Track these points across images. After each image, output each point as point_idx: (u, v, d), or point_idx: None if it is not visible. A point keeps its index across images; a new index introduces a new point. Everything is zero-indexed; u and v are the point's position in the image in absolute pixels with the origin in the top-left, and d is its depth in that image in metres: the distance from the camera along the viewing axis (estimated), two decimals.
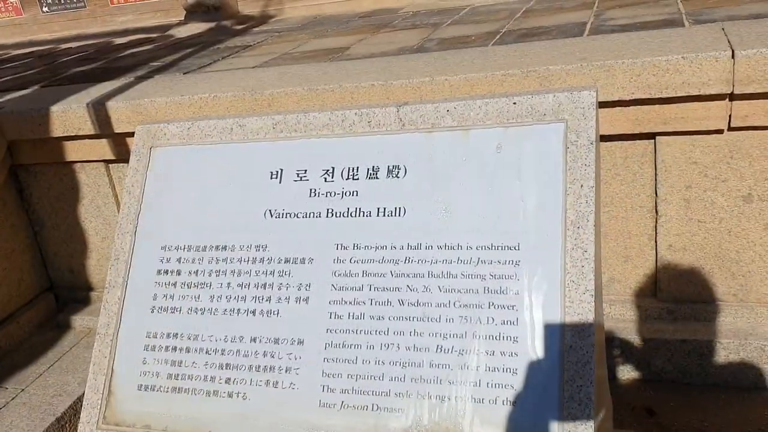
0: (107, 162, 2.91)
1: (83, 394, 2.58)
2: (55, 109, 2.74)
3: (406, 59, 2.52)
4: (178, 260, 1.90)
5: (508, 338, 1.54)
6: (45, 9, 5.79)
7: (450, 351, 1.57)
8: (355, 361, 1.64)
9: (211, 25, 4.61)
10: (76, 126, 2.74)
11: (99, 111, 2.67)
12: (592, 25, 2.61)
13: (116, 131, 2.70)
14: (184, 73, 2.97)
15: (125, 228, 1.98)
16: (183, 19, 4.83)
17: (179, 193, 1.98)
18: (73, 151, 2.88)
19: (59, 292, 3.24)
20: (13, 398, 2.61)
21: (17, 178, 3.09)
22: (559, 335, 1.50)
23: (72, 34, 5.53)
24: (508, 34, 2.70)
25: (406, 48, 2.79)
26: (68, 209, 3.05)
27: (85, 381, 2.65)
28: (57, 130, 2.78)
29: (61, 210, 3.07)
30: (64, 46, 5.12)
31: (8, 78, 3.80)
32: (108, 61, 3.78)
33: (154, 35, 4.79)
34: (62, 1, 5.69)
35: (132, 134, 2.73)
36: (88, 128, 2.72)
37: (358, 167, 1.81)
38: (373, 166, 1.79)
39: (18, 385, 2.68)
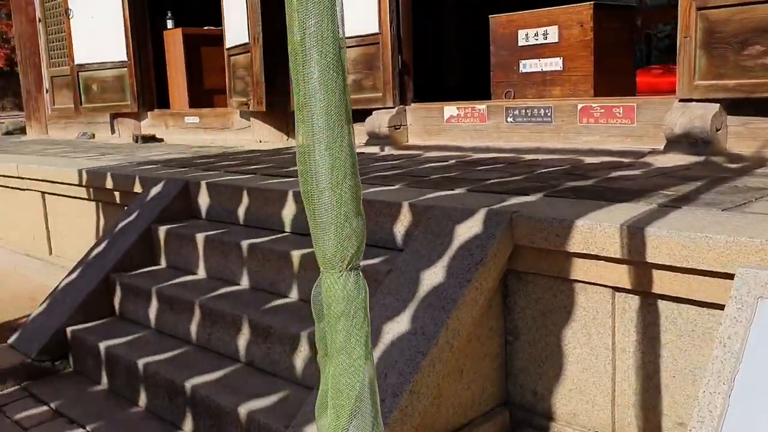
0: (613, 289, 2.63)
1: None
2: (580, 224, 2.57)
3: None
4: None
5: None
6: (509, 119, 6.03)
7: None
8: None
9: (698, 159, 4.23)
10: (600, 245, 2.52)
11: (633, 235, 2.42)
12: None
13: (647, 260, 2.40)
14: (722, 210, 2.59)
15: (715, 387, 1.60)
16: (662, 148, 4.55)
17: None
18: (580, 270, 2.67)
19: (514, 411, 3.02)
20: None
21: (505, 282, 2.99)
22: None
23: (530, 147, 5.63)
24: None
25: None
26: (552, 327, 2.84)
27: None
28: (576, 245, 2.59)
29: (544, 327, 2.87)
30: (527, 157, 5.20)
31: (494, 181, 3.85)
32: (599, 180, 3.62)
33: (626, 160, 4.58)
34: (529, 114, 5.87)
35: (661, 267, 2.43)
36: (614, 250, 2.48)
37: None
38: None
39: None
